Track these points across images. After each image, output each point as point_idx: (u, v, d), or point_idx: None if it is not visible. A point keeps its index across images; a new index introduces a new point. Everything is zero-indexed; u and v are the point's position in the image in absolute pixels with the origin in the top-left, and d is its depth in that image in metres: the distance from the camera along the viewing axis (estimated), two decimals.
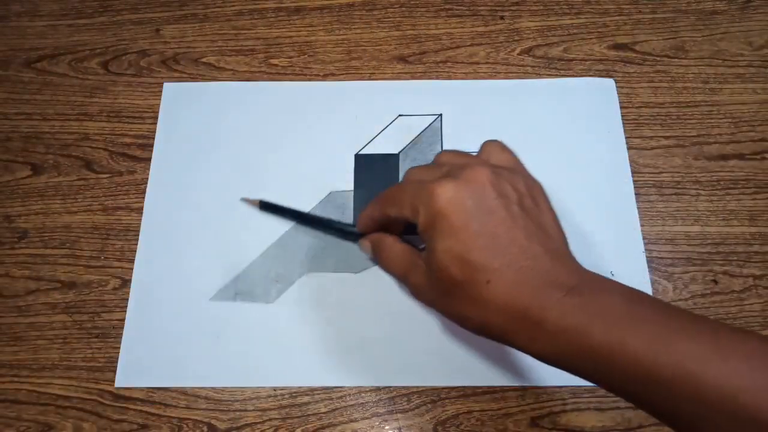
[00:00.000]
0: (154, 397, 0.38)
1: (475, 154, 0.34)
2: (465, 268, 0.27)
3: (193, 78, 0.47)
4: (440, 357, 0.38)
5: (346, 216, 0.42)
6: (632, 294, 0.27)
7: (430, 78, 0.47)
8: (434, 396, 0.37)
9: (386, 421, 0.37)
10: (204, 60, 0.48)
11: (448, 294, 0.29)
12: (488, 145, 0.33)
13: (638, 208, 0.42)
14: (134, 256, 0.41)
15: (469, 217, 0.28)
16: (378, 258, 0.35)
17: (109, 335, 0.39)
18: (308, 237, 0.42)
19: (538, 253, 0.27)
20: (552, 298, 0.26)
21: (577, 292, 0.26)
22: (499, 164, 0.31)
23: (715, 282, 0.40)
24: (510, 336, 0.27)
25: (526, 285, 0.27)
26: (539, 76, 0.47)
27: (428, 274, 0.30)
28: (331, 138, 0.45)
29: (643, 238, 0.41)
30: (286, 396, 0.38)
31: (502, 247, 0.27)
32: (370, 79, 0.47)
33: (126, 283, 0.41)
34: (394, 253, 0.34)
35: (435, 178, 0.29)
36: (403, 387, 0.38)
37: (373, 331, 0.39)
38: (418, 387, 0.38)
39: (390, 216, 0.33)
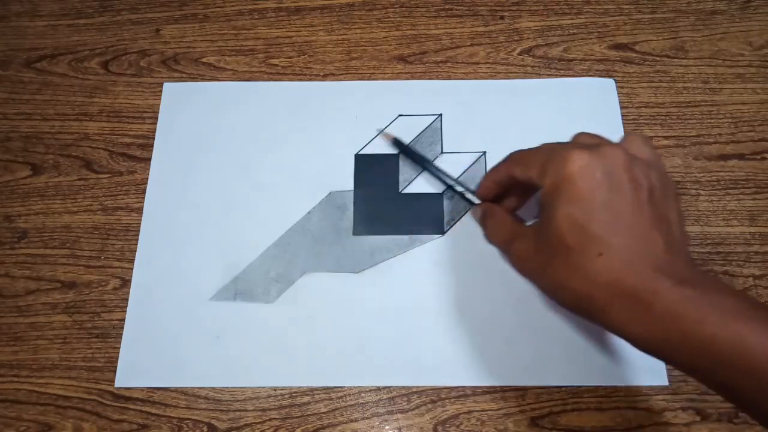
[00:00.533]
0: (154, 397, 0.38)
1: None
2: (581, 236, 0.28)
3: (193, 78, 0.47)
4: (440, 357, 0.38)
5: (347, 216, 0.42)
6: (742, 294, 0.27)
7: (430, 78, 0.47)
8: (434, 396, 0.37)
9: (386, 421, 0.37)
10: (204, 60, 0.48)
11: (554, 261, 0.29)
12: (631, 136, 0.33)
13: None
14: (134, 256, 0.41)
15: (597, 189, 0.28)
16: (484, 225, 0.36)
17: (109, 335, 0.39)
18: (308, 237, 0.42)
19: (657, 242, 0.28)
20: (664, 284, 0.26)
21: (690, 285, 0.26)
22: (638, 155, 0.31)
23: None
24: (608, 314, 0.27)
25: (638, 266, 0.27)
26: (539, 76, 0.47)
27: (536, 241, 0.30)
28: (331, 138, 0.45)
29: None
30: (286, 396, 0.38)
31: (622, 226, 0.27)
32: (370, 79, 0.47)
33: (126, 283, 0.41)
34: (501, 221, 0.35)
35: (570, 148, 0.30)
36: (403, 387, 0.38)
37: (372, 331, 0.39)
38: (418, 387, 0.38)
39: (515, 176, 0.33)
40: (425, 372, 0.38)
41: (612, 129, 0.44)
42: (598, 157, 0.29)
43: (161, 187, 0.43)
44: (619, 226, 0.28)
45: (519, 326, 0.39)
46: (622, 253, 0.27)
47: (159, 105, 0.46)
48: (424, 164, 0.43)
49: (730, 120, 0.45)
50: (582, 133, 0.34)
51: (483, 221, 0.37)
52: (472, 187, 0.40)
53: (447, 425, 0.37)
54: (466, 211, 0.42)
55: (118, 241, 0.42)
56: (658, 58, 0.47)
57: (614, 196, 0.28)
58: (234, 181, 0.43)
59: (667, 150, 0.44)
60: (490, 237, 0.35)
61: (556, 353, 0.38)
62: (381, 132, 0.43)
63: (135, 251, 0.41)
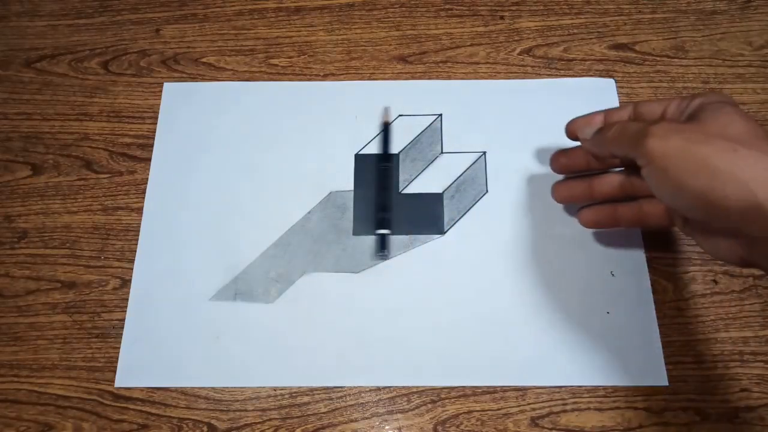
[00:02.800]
0: (154, 397, 0.38)
1: None
2: (749, 123, 0.30)
3: (193, 78, 0.47)
4: (440, 357, 0.38)
5: (347, 216, 0.42)
6: None
7: (430, 78, 0.47)
8: (434, 396, 0.37)
9: (386, 421, 0.37)
10: (204, 60, 0.48)
11: (709, 138, 0.29)
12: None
13: None
14: (134, 256, 0.41)
15: (747, 123, 0.30)
16: (608, 131, 0.35)
17: (109, 335, 0.39)
18: (308, 237, 0.42)
19: None
20: None
21: None
22: None
23: (715, 282, 0.40)
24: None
25: None
26: (539, 76, 0.47)
27: (686, 124, 0.31)
28: (331, 138, 0.45)
29: (643, 238, 0.41)
30: (286, 396, 0.38)
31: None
32: (370, 79, 0.47)
33: (126, 283, 0.41)
34: (626, 123, 0.35)
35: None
36: (403, 387, 0.38)
37: (372, 331, 0.39)
38: (418, 387, 0.38)
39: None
40: (425, 372, 0.38)
41: None
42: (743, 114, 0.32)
43: (161, 187, 0.43)
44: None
45: (519, 326, 0.39)
46: None
47: (159, 105, 0.46)
48: None
49: None
50: None
51: (605, 131, 0.35)
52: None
53: (447, 425, 0.37)
54: (466, 211, 0.42)
55: (118, 241, 0.42)
56: (658, 58, 0.47)
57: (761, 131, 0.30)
58: (234, 181, 0.43)
59: None
60: (620, 133, 0.34)
61: (556, 353, 0.38)
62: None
63: (135, 251, 0.41)
